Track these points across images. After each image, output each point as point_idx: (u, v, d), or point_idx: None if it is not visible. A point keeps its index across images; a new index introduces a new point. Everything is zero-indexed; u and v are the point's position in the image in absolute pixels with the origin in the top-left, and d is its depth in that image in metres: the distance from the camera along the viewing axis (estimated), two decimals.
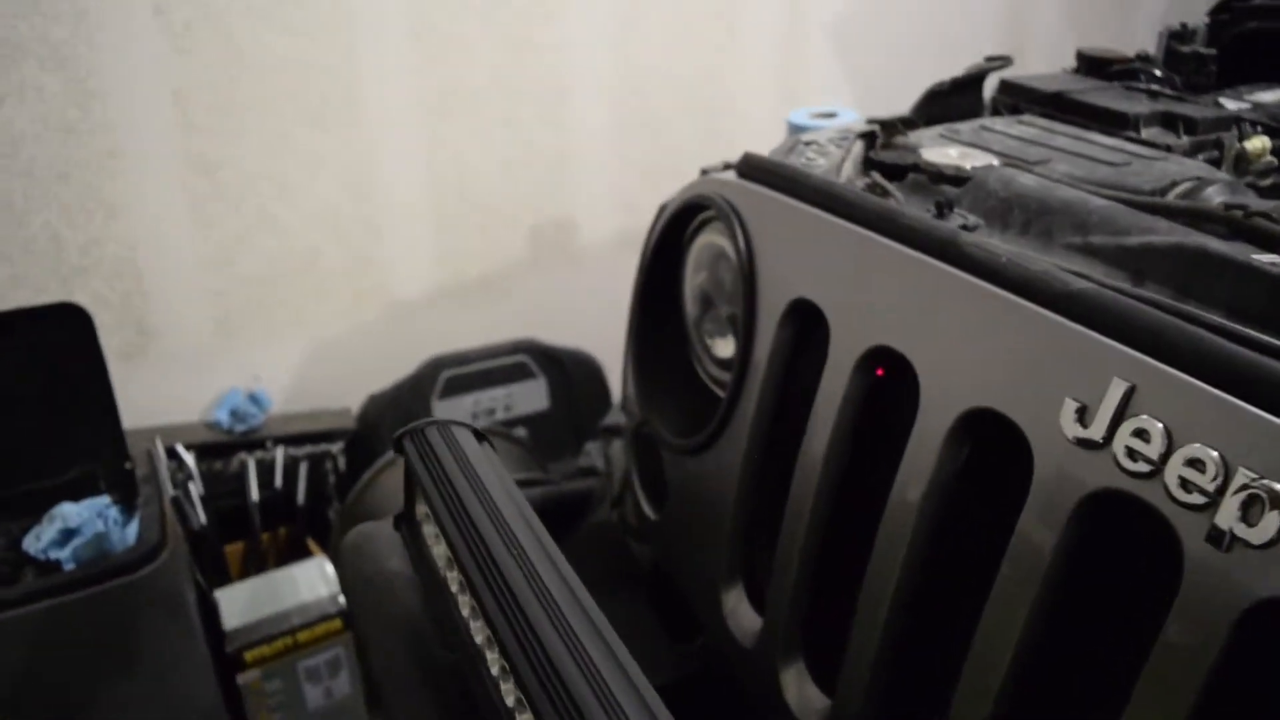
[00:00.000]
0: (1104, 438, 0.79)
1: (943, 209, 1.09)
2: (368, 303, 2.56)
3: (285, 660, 2.02)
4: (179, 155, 2.18)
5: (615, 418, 2.05)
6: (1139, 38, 3.67)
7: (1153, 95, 1.56)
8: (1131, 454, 0.77)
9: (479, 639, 0.78)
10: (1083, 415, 0.81)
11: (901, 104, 2.08)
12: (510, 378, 2.75)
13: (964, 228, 1.07)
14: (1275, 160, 1.42)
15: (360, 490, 2.36)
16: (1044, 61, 2.73)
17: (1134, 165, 1.24)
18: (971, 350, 0.91)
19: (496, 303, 2.76)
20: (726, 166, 1.57)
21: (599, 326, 2.87)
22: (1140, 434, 0.77)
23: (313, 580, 2.12)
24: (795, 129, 1.81)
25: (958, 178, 1.15)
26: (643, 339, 1.50)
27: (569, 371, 2.83)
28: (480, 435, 0.97)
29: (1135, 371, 0.78)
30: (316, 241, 2.42)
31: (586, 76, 2.64)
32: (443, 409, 2.67)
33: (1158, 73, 1.70)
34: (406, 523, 0.97)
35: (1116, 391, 0.79)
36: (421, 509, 0.93)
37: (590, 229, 2.83)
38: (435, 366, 2.64)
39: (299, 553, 2.31)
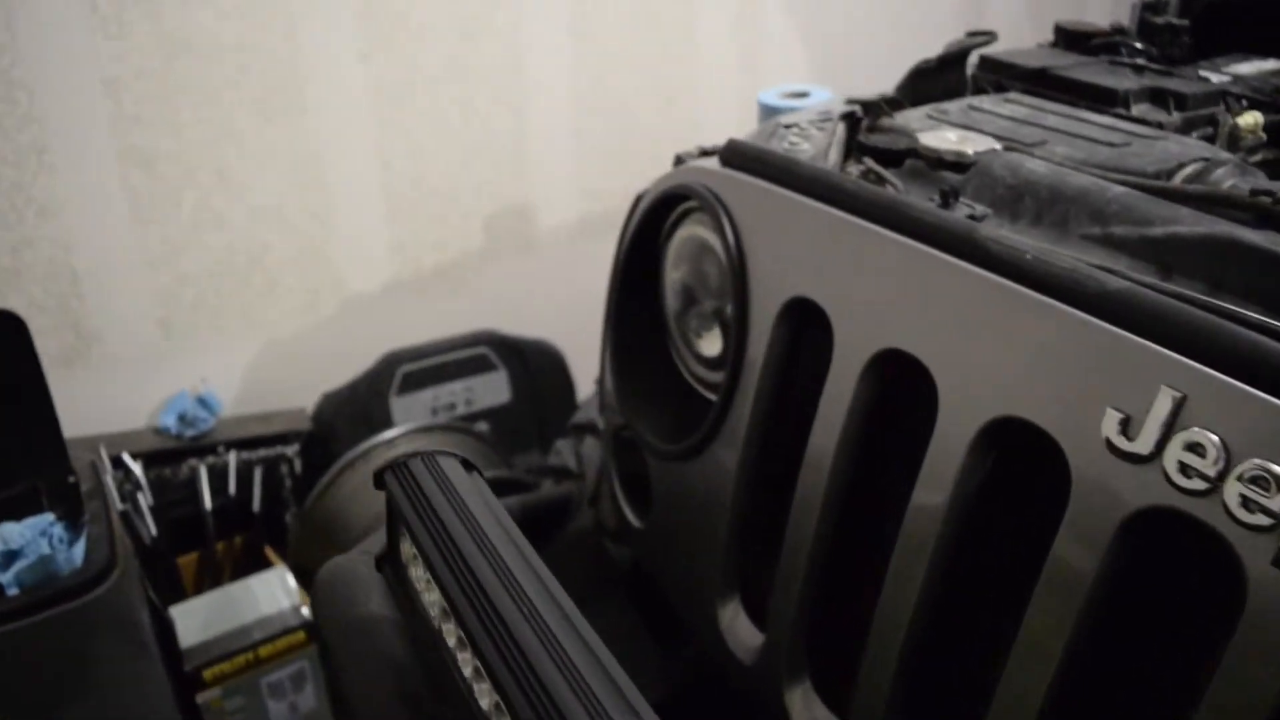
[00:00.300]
0: (1152, 451, 0.74)
1: (947, 198, 1.03)
2: (319, 298, 2.46)
3: (247, 676, 1.93)
4: (113, 149, 2.05)
5: (587, 414, 1.98)
6: (1092, 6, 3.66)
7: (1138, 70, 1.51)
8: (1184, 469, 0.72)
9: (484, 703, 0.70)
10: (1126, 426, 0.75)
11: (865, 79, 2.02)
12: (470, 371, 2.66)
13: (971, 217, 1.01)
14: (1264, 136, 1.39)
15: (319, 494, 2.27)
16: (1002, 33, 2.68)
17: (1134, 146, 1.19)
18: (996, 354, 0.85)
19: (454, 294, 2.66)
20: (703, 153, 1.50)
21: (560, 316, 2.79)
22: (1194, 448, 0.71)
23: (273, 591, 2.03)
24: (768, 110, 1.74)
25: (959, 164, 1.08)
26: (620, 337, 1.43)
27: (530, 363, 2.74)
28: (469, 465, 0.89)
29: (1185, 379, 0.72)
30: (264, 235, 2.31)
31: (543, 58, 2.55)
32: (400, 405, 2.58)
33: (1139, 46, 1.65)
34: (391, 564, 0.89)
35: (1165, 402, 0.73)
36: (407, 549, 0.85)
37: (550, 216, 2.74)
38: (392, 362, 2.54)
39: (256, 562, 2.21)
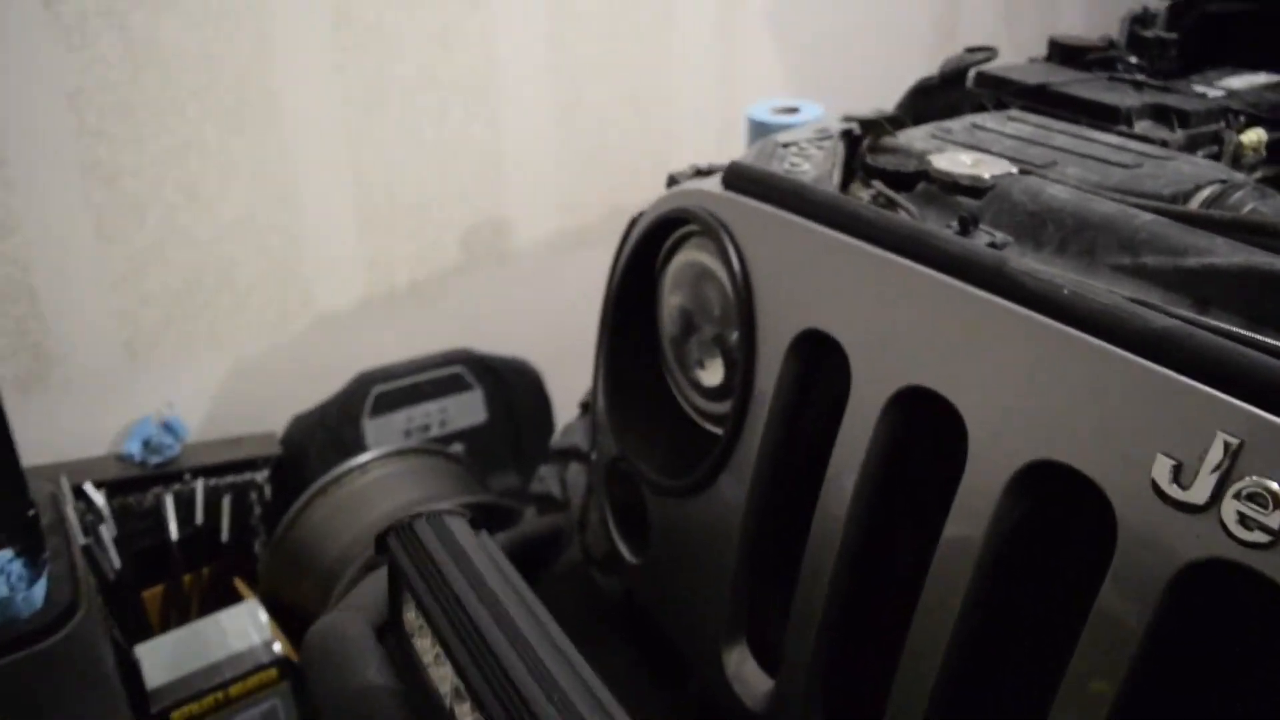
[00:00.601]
0: (1208, 501, 0.69)
1: (966, 225, 0.98)
2: (289, 317, 2.38)
3: (217, 717, 1.84)
4: (76, 164, 1.97)
5: (570, 438, 1.93)
6: (1066, 19, 3.66)
7: (1137, 86, 1.48)
8: (1244, 521, 0.67)
9: None
10: (1179, 474, 0.71)
11: (846, 92, 1.99)
12: (444, 391, 2.59)
13: (992, 245, 0.97)
14: (1264, 153, 1.36)
15: (290, 522, 2.19)
16: (977, 43, 2.66)
17: (1146, 167, 1.16)
18: (1032, 394, 0.80)
19: (428, 311, 2.59)
20: (698, 172, 1.45)
21: (537, 333, 2.73)
22: (1255, 498, 0.67)
23: (243, 627, 1.94)
24: (758, 126, 1.70)
25: (975, 188, 1.04)
26: (614, 365, 1.37)
27: (507, 382, 2.68)
28: (476, 523, 0.83)
29: (1243, 425, 0.68)
30: (231, 253, 2.23)
31: (520, 69, 2.49)
32: (373, 427, 2.50)
33: (1134, 60, 1.63)
34: (393, 633, 0.82)
35: (1220, 448, 0.69)
36: (412, 618, 0.78)
37: (527, 230, 2.68)
38: (364, 382, 2.46)
39: (225, 595, 2.13)
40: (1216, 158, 1.33)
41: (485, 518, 2.10)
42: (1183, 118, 1.37)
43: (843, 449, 0.96)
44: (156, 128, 2.04)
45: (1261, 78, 1.60)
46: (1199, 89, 1.51)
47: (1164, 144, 1.30)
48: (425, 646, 0.76)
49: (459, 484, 2.34)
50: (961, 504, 0.85)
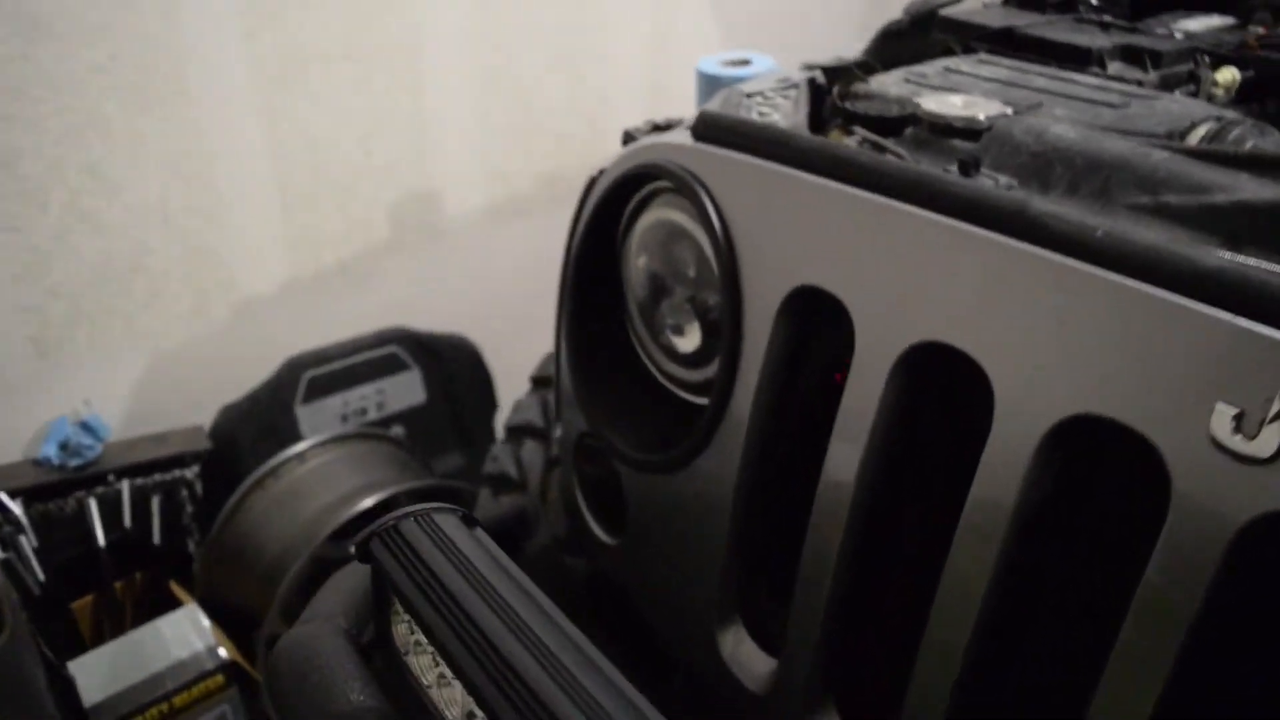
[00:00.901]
0: (1275, 452, 0.64)
1: (968, 168, 0.92)
2: (210, 303, 2.24)
3: None
4: None
5: (524, 415, 1.84)
6: None
7: (1104, 27, 1.44)
8: None
9: None
10: (1241, 423, 0.65)
11: (789, 48, 1.91)
12: (380, 372, 2.48)
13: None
14: (1235, 93, 1.34)
15: (226, 518, 2.08)
16: None
17: (1134, 106, 1.11)
18: (1065, 346, 0.75)
19: (359, 290, 2.47)
20: (656, 128, 1.37)
21: (474, 308, 2.63)
22: None
23: (183, 633, 1.83)
24: (710, 80, 1.62)
25: (971, 130, 0.98)
26: (578, 336, 1.29)
27: (445, 360, 2.58)
28: (470, 520, 0.74)
29: None
30: (144, 238, 2.08)
31: (443, 32, 2.36)
32: (307, 414, 2.39)
33: (1095, 1, 1.58)
34: (381, 651, 0.73)
35: None
36: (404, 632, 0.70)
37: (458, 201, 2.56)
38: (295, 368, 2.34)
39: (161, 601, 2.00)
40: (1194, 97, 1.29)
41: (448, 503, 2.02)
42: (1155, 58, 1.34)
43: (848, 413, 0.90)
44: (55, 105, 1.88)
45: (1215, 20, 1.58)
46: (1161, 31, 1.48)
47: (1139, 84, 1.26)
48: (425, 665, 0.68)
49: (403, 468, 2.24)
50: (989, 466, 0.80)
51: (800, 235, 0.95)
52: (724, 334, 1.02)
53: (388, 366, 2.49)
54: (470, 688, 0.60)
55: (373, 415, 2.49)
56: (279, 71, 2.14)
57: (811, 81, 1.21)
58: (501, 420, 2.57)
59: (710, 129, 1.07)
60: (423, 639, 0.66)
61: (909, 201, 0.84)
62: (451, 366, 2.59)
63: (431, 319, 2.54)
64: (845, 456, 0.91)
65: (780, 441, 1.02)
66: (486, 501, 1.81)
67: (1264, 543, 0.67)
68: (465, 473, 2.59)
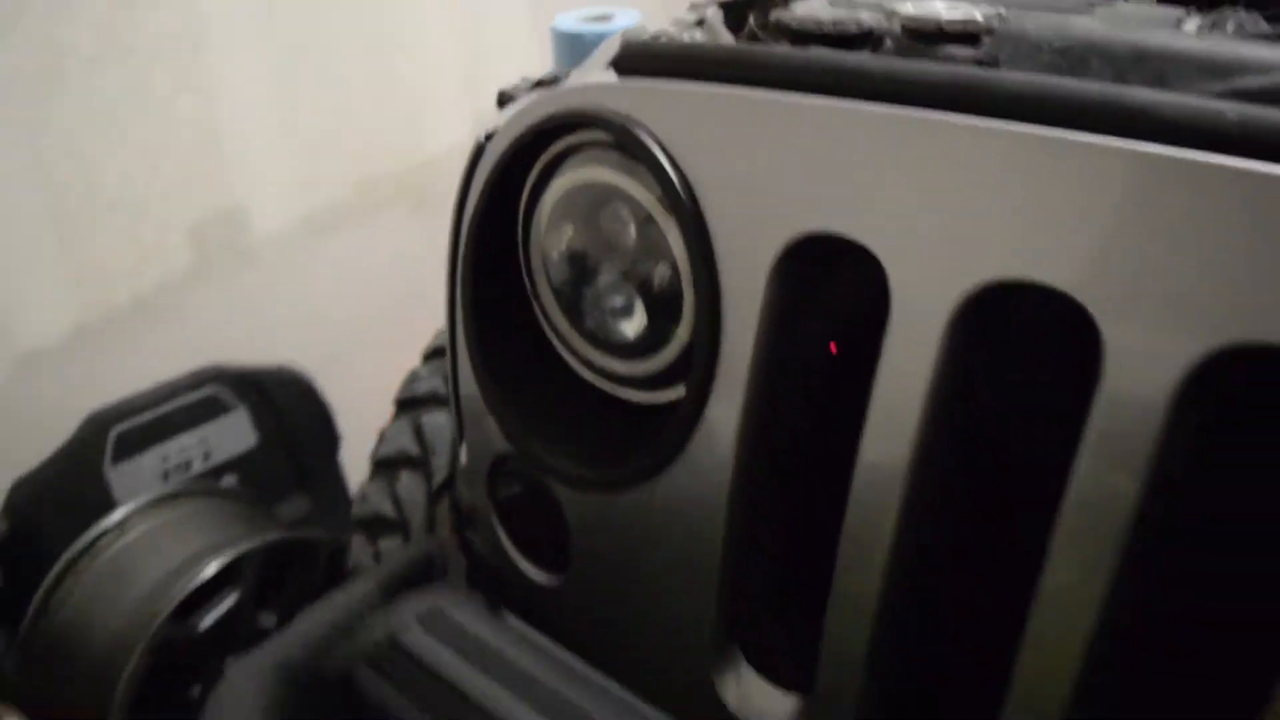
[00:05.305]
0: None
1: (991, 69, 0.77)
2: None
3: None
4: None
5: (395, 445, 1.61)
6: None
7: None
8: None
9: None
10: None
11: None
12: (201, 418, 2.16)
13: None
14: None
15: (36, 613, 1.75)
16: None
17: (1099, 10, 1.00)
18: (1219, 260, 0.60)
19: (163, 327, 2.15)
20: (538, 84, 1.16)
21: (298, 334, 2.36)
22: None
23: None
24: (570, 40, 1.43)
25: (968, 33, 0.83)
26: (483, 340, 1.08)
27: (273, 395, 2.27)
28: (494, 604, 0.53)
29: None
30: None
31: (228, 24, 2.07)
32: (120, 476, 2.05)
33: None
34: None
35: None
36: None
37: (266, 216, 2.27)
38: (98, 425, 2.00)
39: None
40: None
41: (299, 558, 1.75)
42: None
43: (885, 388, 0.74)
44: None
45: None
46: None
47: None
48: None
49: (245, 523, 1.95)
50: (1100, 434, 0.64)
51: (799, 174, 0.78)
52: (699, 312, 0.84)
53: (208, 410, 2.17)
54: None
55: (198, 467, 2.17)
56: (31, 77, 1.80)
57: (728, 7, 1.05)
58: (348, 456, 2.30)
59: (644, 59, 0.89)
60: None
61: (953, 110, 0.68)
62: (281, 402, 2.30)
63: (251, 351, 2.24)
64: (886, 445, 0.74)
65: (780, 431, 0.85)
66: (362, 550, 1.57)
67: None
68: (313, 517, 2.31)
